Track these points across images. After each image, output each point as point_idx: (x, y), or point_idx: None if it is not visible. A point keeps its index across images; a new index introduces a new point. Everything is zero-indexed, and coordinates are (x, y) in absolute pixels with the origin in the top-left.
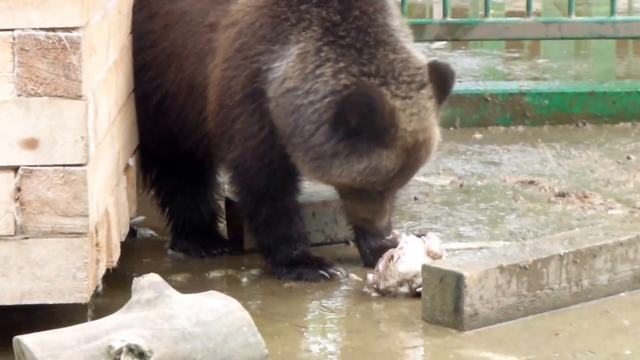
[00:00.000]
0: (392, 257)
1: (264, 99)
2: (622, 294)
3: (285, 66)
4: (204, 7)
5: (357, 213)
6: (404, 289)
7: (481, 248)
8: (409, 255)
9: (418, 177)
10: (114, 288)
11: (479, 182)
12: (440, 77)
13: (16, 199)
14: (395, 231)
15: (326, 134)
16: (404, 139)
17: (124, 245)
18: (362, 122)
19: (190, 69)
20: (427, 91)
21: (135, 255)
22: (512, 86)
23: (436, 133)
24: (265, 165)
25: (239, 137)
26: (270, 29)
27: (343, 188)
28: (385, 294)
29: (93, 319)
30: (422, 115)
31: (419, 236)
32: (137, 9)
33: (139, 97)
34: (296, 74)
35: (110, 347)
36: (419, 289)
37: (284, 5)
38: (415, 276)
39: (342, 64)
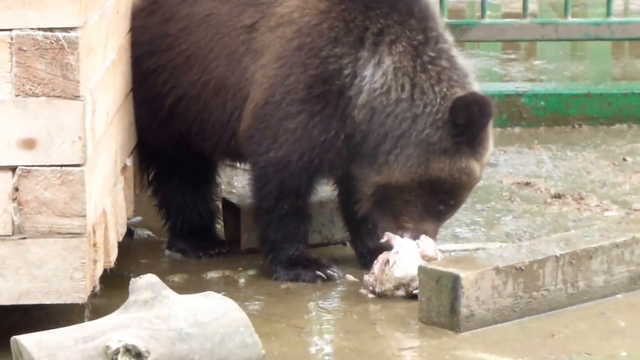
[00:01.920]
0: (387, 262)
1: (343, 102)
2: (618, 296)
3: (385, 78)
4: (233, 10)
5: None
6: (401, 292)
7: (477, 249)
8: (405, 260)
9: None
10: (112, 288)
11: None
12: None
13: (14, 199)
14: (389, 233)
15: (444, 133)
16: (485, 157)
17: (121, 246)
18: (467, 124)
19: (219, 70)
20: None
21: (132, 256)
22: (508, 87)
23: None
24: (312, 167)
25: (289, 137)
26: (344, 33)
27: (421, 196)
28: (381, 296)
29: (90, 319)
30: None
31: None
32: (147, 13)
33: (148, 99)
34: (406, 86)
35: (108, 347)
36: (415, 291)
37: (357, 14)
38: (411, 280)
39: (456, 88)
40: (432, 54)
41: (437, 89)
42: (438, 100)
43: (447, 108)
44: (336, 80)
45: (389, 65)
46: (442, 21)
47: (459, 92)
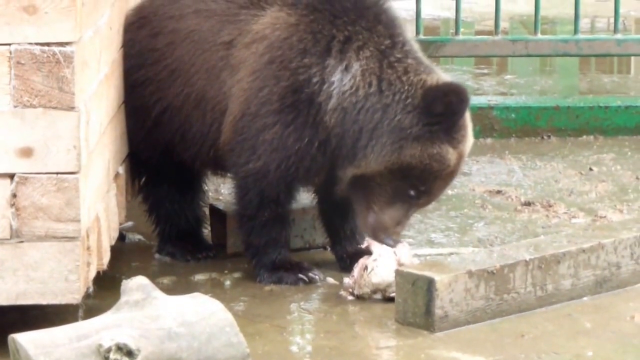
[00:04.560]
0: (366, 268)
1: (313, 110)
2: (585, 298)
3: (353, 80)
4: (214, 26)
5: (383, 219)
6: (377, 296)
7: (451, 254)
8: (382, 268)
9: None
10: (104, 290)
11: (449, 192)
12: None
13: (12, 205)
14: (369, 239)
15: (415, 118)
16: (464, 145)
17: (113, 249)
18: (445, 112)
19: (199, 84)
20: None
21: (124, 259)
22: (481, 101)
23: None
24: (289, 176)
25: (266, 147)
26: (312, 44)
27: (391, 181)
28: (360, 298)
29: (84, 318)
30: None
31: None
32: (137, 27)
33: (136, 109)
34: (373, 82)
35: (100, 345)
36: (392, 294)
37: (325, 24)
38: (387, 286)
39: (423, 75)
40: (399, 55)
41: (404, 78)
42: (406, 87)
43: (417, 93)
44: (306, 89)
45: (357, 69)
46: (408, 30)
47: (426, 79)
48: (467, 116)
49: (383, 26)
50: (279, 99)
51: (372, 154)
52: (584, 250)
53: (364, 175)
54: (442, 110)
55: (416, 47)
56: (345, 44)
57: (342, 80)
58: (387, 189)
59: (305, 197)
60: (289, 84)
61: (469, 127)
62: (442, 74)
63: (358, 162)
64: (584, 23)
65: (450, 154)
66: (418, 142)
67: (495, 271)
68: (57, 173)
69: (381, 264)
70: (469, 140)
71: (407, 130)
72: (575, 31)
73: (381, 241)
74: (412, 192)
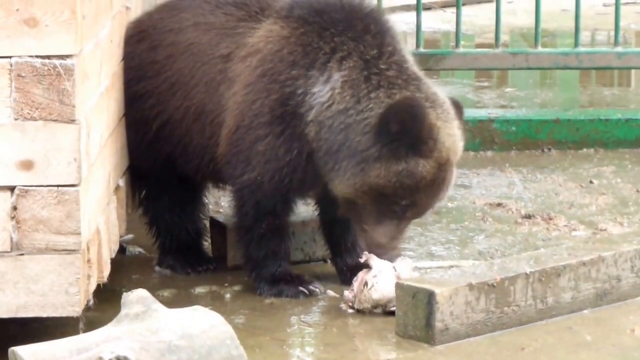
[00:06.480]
0: (366, 284)
1: (298, 121)
2: (585, 311)
3: (332, 92)
4: (213, 39)
5: (375, 237)
6: (378, 311)
7: (452, 266)
8: (382, 284)
9: None
10: (104, 302)
11: (449, 204)
12: (457, 111)
13: (12, 217)
14: (367, 253)
15: (372, 139)
16: (439, 152)
17: (113, 262)
18: (402, 130)
19: (199, 97)
20: (458, 123)
21: (124, 272)
22: (481, 113)
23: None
24: (283, 187)
25: (260, 159)
26: (301, 56)
27: (372, 201)
28: (360, 311)
29: (84, 331)
30: (455, 138)
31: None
32: (136, 40)
33: (137, 122)
34: (347, 97)
35: (100, 358)
36: (392, 308)
37: (314, 36)
38: (388, 302)
39: (395, 90)
40: (383, 66)
41: (372, 95)
42: (370, 105)
43: (377, 113)
44: (291, 101)
45: (337, 80)
46: (402, 40)
47: (397, 96)
48: (432, 123)
49: (372, 36)
50: (270, 111)
51: (337, 178)
52: (584, 263)
53: (347, 198)
54: (398, 128)
55: (408, 57)
56: (330, 55)
57: (322, 91)
58: (371, 208)
59: (305, 210)
60: (278, 96)
61: (441, 131)
62: (426, 86)
63: (330, 182)
64: (584, 36)
65: (422, 166)
66: (380, 162)
67: (495, 284)
68: (58, 186)
69: (381, 280)
70: (447, 143)
71: (365, 152)
72: (576, 44)
73: (380, 257)
74: (396, 208)
